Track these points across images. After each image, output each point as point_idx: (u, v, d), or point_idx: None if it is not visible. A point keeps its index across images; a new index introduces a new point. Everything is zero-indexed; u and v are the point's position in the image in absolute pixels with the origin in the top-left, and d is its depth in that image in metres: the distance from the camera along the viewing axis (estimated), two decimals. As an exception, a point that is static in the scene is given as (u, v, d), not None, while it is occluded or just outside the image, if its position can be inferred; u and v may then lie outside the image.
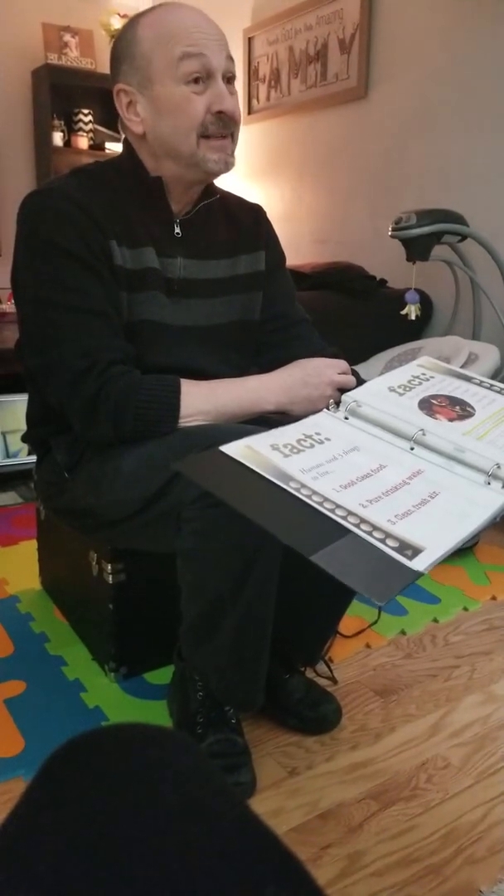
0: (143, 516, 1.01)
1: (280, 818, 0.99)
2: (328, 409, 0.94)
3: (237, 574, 0.95)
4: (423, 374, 1.01)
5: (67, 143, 3.45)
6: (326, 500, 0.74)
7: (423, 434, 0.86)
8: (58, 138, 3.40)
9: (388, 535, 0.70)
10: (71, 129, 3.47)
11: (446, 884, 0.90)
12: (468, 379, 1.00)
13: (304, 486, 0.75)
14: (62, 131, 3.43)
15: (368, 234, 2.66)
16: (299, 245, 2.96)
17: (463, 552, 1.83)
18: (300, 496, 0.74)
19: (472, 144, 2.25)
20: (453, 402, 0.94)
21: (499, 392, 0.98)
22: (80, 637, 1.41)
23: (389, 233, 1.95)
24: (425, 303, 2.29)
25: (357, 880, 0.90)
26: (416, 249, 1.93)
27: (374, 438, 0.87)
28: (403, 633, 1.47)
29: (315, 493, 0.75)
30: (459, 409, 0.92)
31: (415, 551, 0.68)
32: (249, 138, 3.19)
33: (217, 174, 1.06)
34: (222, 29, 1.04)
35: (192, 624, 1.02)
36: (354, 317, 2.24)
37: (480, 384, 0.99)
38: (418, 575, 0.66)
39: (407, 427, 0.87)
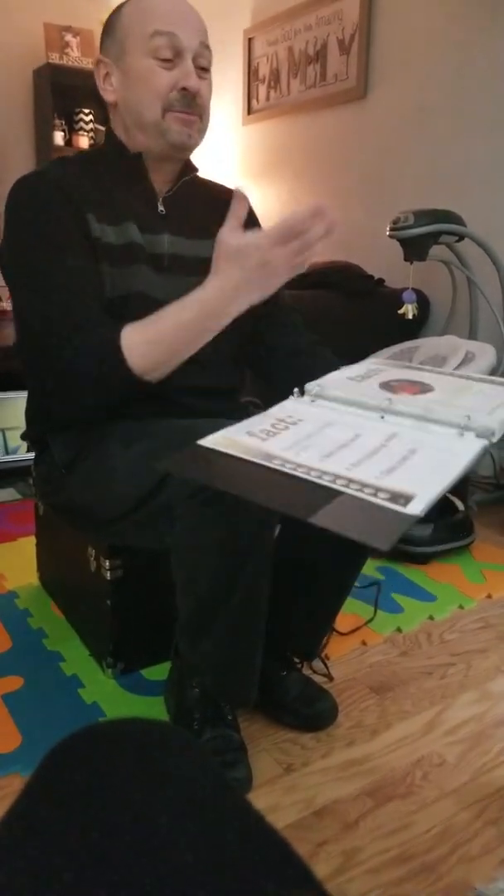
0: (138, 513, 1.02)
1: (276, 815, 0.99)
2: (293, 395, 0.96)
3: (229, 571, 0.95)
4: (378, 368, 1.05)
5: (68, 142, 3.46)
6: (312, 469, 0.76)
7: (391, 403, 0.88)
8: (59, 137, 3.40)
9: (378, 489, 0.72)
10: (72, 129, 3.48)
11: (441, 881, 0.90)
12: (421, 370, 1.04)
13: (287, 461, 0.77)
14: (63, 130, 3.43)
15: (366, 234, 2.66)
16: (298, 245, 2.96)
17: (459, 550, 1.83)
18: (285, 470, 0.76)
19: (471, 145, 2.26)
20: (412, 382, 0.97)
21: (451, 376, 1.01)
22: (77, 633, 1.41)
23: (387, 233, 1.95)
24: (422, 302, 2.30)
25: (352, 877, 0.90)
26: (414, 249, 1.93)
27: (344, 414, 0.90)
28: (399, 630, 1.47)
29: (299, 465, 0.77)
30: (420, 388, 0.95)
31: (407, 499, 0.70)
32: (248, 138, 3.20)
33: (180, 146, 1.07)
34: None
35: (187, 621, 1.03)
36: (352, 316, 2.25)
37: (432, 372, 1.03)
38: (415, 518, 0.68)
39: (373, 400, 0.90)
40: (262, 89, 3.09)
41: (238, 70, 3.18)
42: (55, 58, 3.36)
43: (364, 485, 0.72)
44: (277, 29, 2.96)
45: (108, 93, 1.08)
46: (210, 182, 1.24)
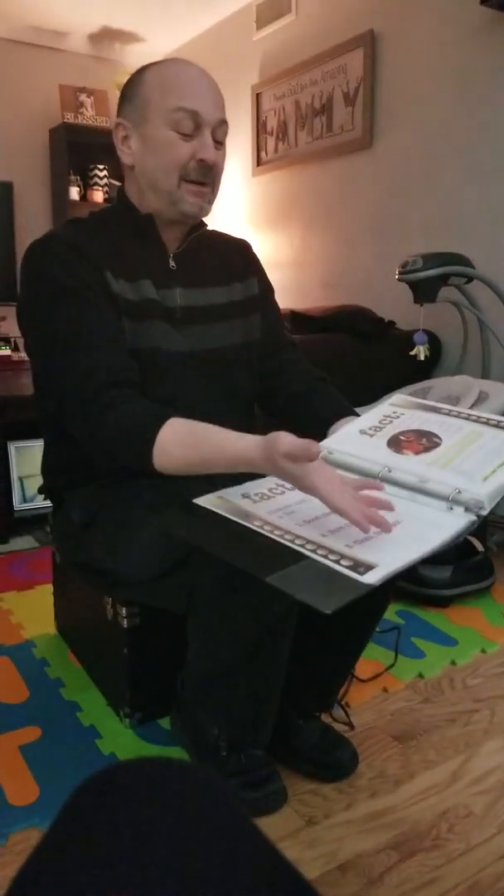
0: (159, 584, 1.03)
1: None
2: None
3: (249, 650, 0.98)
4: (395, 412, 1.06)
5: (84, 196, 3.58)
6: (287, 532, 0.79)
7: (389, 471, 0.91)
8: (74, 193, 3.53)
9: (342, 556, 0.74)
10: (87, 184, 3.60)
11: (471, 939, 0.87)
12: (437, 410, 1.05)
13: (267, 523, 0.81)
14: (78, 186, 3.56)
15: (376, 278, 2.70)
16: (308, 290, 3.02)
17: (479, 592, 1.81)
18: (262, 531, 0.79)
19: (476, 188, 2.31)
20: (420, 435, 0.98)
21: (466, 419, 1.01)
22: (95, 682, 1.40)
23: (397, 276, 1.99)
24: (434, 343, 2.32)
25: (378, 936, 0.87)
26: (423, 292, 1.96)
27: None
28: (421, 676, 1.45)
29: (277, 528, 0.80)
30: (426, 441, 0.97)
31: (367, 567, 0.72)
32: (258, 189, 3.29)
33: (191, 215, 1.10)
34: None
35: (203, 677, 1.05)
36: (364, 358, 2.27)
37: (448, 413, 1.03)
38: (368, 587, 0.69)
39: (374, 467, 0.92)
40: (271, 141, 3.19)
41: (247, 123, 3.29)
42: (70, 117, 3.51)
43: (332, 551, 0.75)
44: (284, 84, 3.07)
45: (126, 155, 1.10)
46: (218, 233, 1.27)
